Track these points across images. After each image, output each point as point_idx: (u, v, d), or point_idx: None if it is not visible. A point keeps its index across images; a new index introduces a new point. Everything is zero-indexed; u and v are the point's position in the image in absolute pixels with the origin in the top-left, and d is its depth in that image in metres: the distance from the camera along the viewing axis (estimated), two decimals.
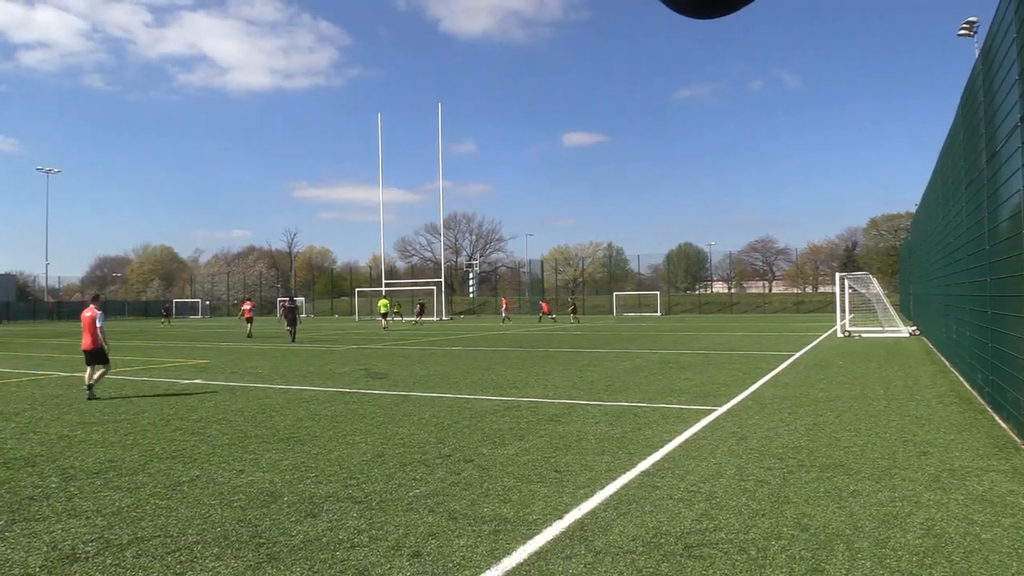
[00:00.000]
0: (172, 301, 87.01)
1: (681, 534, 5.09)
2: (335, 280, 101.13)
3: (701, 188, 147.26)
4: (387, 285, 67.43)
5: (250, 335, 33.82)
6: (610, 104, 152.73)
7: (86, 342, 12.45)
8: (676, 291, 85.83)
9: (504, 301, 49.69)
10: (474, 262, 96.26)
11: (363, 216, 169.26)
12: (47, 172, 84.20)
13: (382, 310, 40.97)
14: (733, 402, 10.88)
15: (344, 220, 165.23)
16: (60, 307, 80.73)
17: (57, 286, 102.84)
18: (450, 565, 4.60)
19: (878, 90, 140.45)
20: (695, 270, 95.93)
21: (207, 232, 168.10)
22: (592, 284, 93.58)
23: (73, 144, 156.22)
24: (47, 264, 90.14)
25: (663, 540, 4.99)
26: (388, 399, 11.76)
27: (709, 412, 9.99)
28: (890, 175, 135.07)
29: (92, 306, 12.47)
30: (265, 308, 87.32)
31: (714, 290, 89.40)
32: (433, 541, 5.01)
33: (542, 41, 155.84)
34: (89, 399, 12.04)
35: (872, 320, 30.70)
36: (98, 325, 12.37)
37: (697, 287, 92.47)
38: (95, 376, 12.36)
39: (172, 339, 33.55)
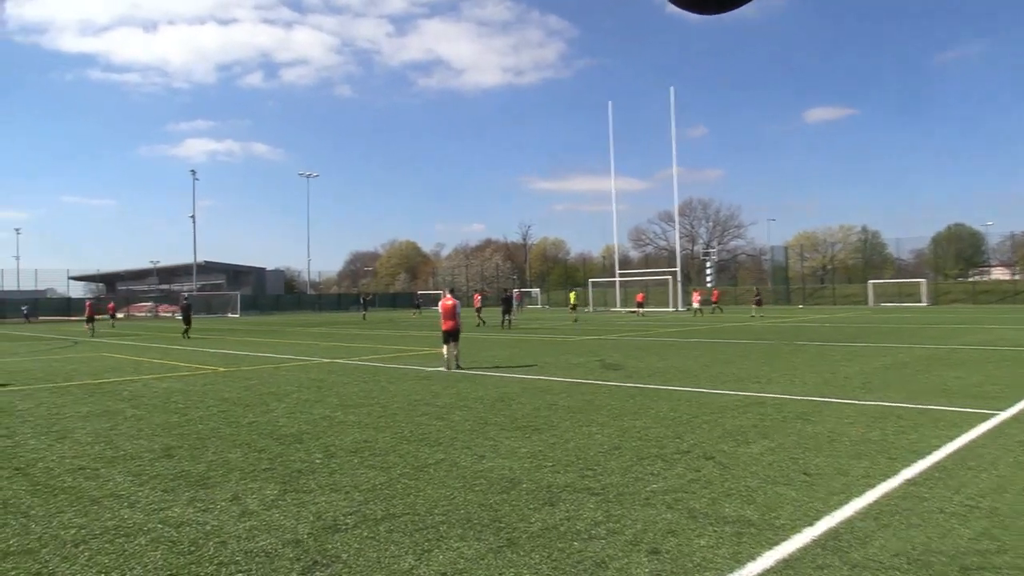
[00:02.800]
0: (417, 293, 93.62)
1: (956, 553, 4.58)
2: (569, 271, 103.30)
3: (973, 161, 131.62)
4: (621, 275, 67.59)
5: (481, 323, 36.18)
6: (857, 75, 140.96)
7: (448, 324, 15.74)
8: (945, 278, 77.38)
9: (696, 292, 47.77)
10: (711, 250, 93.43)
11: (595, 206, 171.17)
12: (307, 176, 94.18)
13: (572, 301, 41.66)
14: (1021, 406, 9.60)
15: (577, 211, 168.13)
16: (320, 299, 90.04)
17: (317, 280, 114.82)
18: (690, 565, 4.50)
19: None
20: (968, 254, 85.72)
21: (447, 226, 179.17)
22: (844, 271, 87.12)
23: (328, 150, 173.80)
24: (309, 260, 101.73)
25: (933, 559, 4.51)
26: (624, 391, 11.78)
27: (990, 417, 8.90)
28: None
29: (450, 295, 16.13)
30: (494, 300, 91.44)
31: (993, 276, 79.36)
32: (672, 539, 4.93)
33: (774, 14, 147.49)
34: (457, 369, 15.13)
35: None
36: (457, 311, 15.94)
37: (971, 273, 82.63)
38: (455, 351, 15.63)
39: (419, 328, 36.14)
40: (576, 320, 38.74)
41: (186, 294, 47.56)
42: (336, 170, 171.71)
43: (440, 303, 16.26)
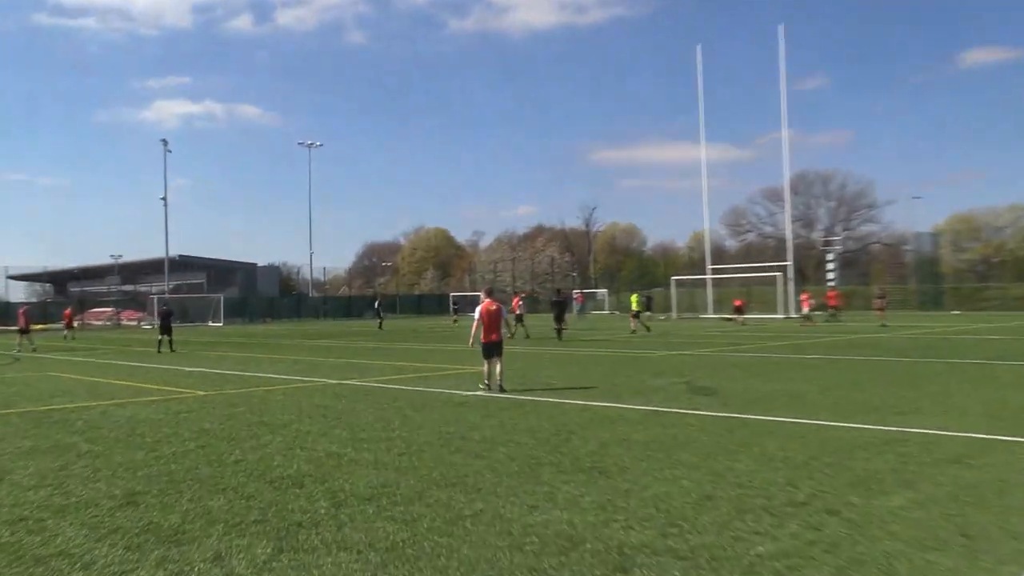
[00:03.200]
0: (452, 296, 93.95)
1: None
2: (645, 265, 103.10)
3: None
4: (713, 272, 67.11)
5: (511, 335, 35.84)
6: None
7: (490, 335, 16.09)
8: None
9: (805, 295, 46.85)
10: (834, 238, 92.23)
11: (679, 182, 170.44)
12: (309, 147, 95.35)
13: (633, 307, 40.69)
14: None
15: (654, 188, 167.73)
16: (326, 303, 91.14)
17: (322, 278, 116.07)
18: None
19: None
20: None
21: (487, 209, 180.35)
22: (1014, 266, 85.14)
23: (335, 113, 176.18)
24: (311, 254, 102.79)
25: None
26: (718, 423, 11.70)
27: None
28: None
29: (489, 299, 16.38)
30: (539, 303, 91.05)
31: None
32: None
33: None
34: (500, 393, 15.46)
35: None
36: (502, 318, 16.48)
37: None
38: (499, 369, 16.04)
39: (451, 340, 36.33)
40: (634, 331, 38.15)
41: (165, 298, 48.64)
42: (345, 139, 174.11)
43: (478, 308, 16.56)
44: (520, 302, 40.00)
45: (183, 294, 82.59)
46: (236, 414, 13.61)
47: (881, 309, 44.93)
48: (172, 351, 31.71)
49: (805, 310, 46.09)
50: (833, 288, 59.56)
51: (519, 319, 37.62)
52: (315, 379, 19.47)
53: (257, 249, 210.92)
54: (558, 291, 41.90)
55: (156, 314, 37.00)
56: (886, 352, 24.53)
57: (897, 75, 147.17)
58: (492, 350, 16.13)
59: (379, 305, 55.40)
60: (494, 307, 16.43)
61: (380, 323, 52.63)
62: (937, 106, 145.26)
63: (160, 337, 32.70)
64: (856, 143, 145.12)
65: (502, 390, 15.79)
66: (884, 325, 41.57)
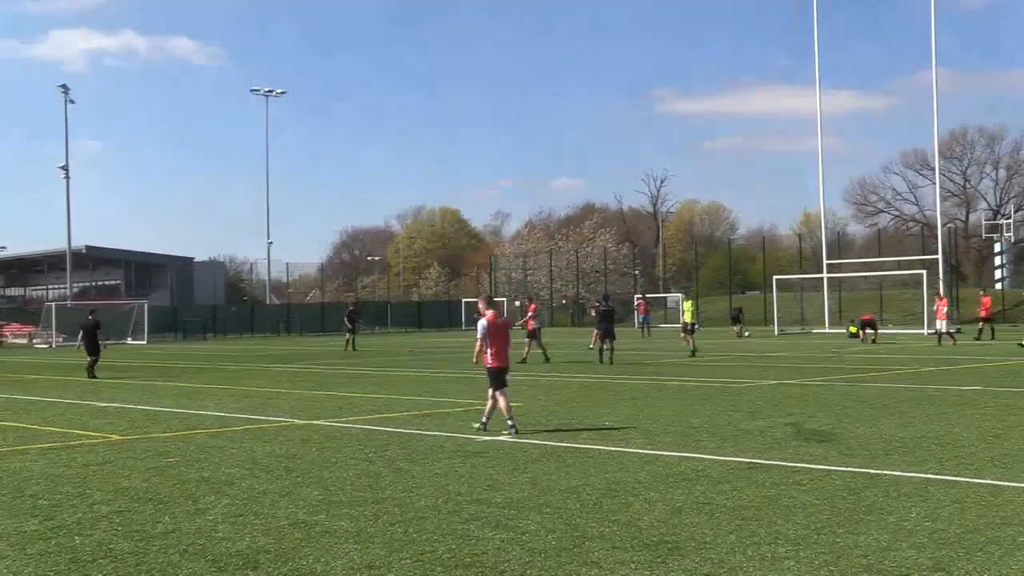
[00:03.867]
0: (461, 301, 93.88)
1: None
2: (736, 259, 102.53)
3: None
4: (831, 268, 66.80)
5: (546, 358, 35.78)
6: None
7: (498, 358, 16.45)
8: None
9: (940, 303, 46.55)
10: (1004, 222, 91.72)
11: (783, 143, 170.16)
12: (266, 95, 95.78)
13: (687, 317, 40.35)
14: None
15: (749, 152, 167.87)
16: (290, 312, 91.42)
17: (285, 279, 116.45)
18: None
19: None
20: None
21: (516, 183, 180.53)
22: None
23: (303, 50, 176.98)
24: (269, 244, 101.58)
25: None
26: (837, 481, 11.65)
27: None
28: None
29: (492, 311, 16.81)
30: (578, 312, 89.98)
31: None
32: None
33: None
34: (515, 434, 15.91)
35: None
36: (508, 333, 17.01)
37: None
38: (504, 402, 16.30)
39: (462, 366, 36.33)
40: (693, 352, 37.93)
41: (91, 307, 48.94)
42: (318, 86, 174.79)
43: (481, 321, 16.89)
44: (535, 311, 39.79)
45: (92, 300, 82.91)
46: (166, 467, 13.66)
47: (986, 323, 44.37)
48: (93, 377, 32.20)
49: (941, 324, 45.76)
50: (986, 294, 57.72)
51: (533, 335, 37.32)
52: (275, 418, 19.53)
53: (195, 239, 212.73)
54: (605, 297, 41.73)
55: (80, 327, 37.05)
56: None
57: None
58: (502, 377, 16.36)
59: (351, 316, 55.07)
60: (500, 321, 16.96)
61: (350, 341, 51.75)
62: None
63: (89, 359, 33.26)
64: None
65: (516, 431, 16.05)
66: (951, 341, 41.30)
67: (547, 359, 36.07)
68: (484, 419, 16.46)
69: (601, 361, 34.29)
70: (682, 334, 40.09)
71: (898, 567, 7.91)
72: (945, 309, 46.05)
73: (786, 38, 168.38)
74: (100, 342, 34.44)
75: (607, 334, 35.31)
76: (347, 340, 52.67)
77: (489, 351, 16.48)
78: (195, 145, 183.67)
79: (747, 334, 59.97)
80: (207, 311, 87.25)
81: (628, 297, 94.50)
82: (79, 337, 36.64)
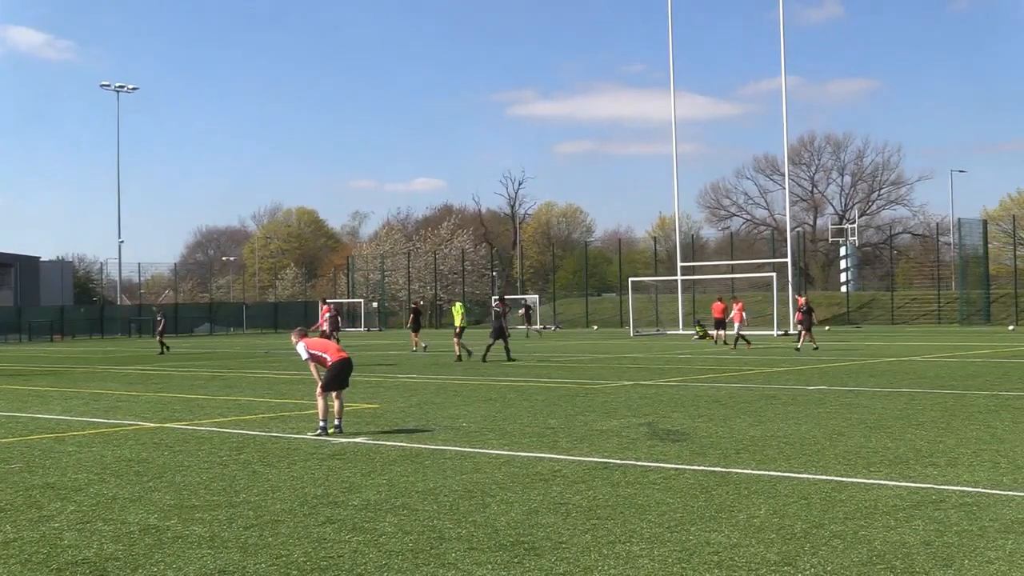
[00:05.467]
0: (327, 302, 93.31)
1: None
2: (593, 261, 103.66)
3: None
4: (684, 270, 67.93)
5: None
6: None
7: (338, 354, 16.71)
8: None
9: (739, 304, 47.81)
10: (848, 226, 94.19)
11: (638, 147, 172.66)
12: (117, 90, 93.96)
13: (457, 322, 40.85)
14: None
15: (603, 155, 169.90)
16: (141, 313, 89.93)
17: (137, 279, 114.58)
18: None
19: None
20: None
21: (373, 183, 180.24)
22: None
23: (156, 42, 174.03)
24: (120, 243, 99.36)
25: None
26: (690, 479, 11.81)
27: None
28: None
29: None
30: (438, 312, 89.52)
31: None
32: None
33: None
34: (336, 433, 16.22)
35: None
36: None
37: None
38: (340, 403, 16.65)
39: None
40: (459, 358, 38.32)
41: None
42: (171, 82, 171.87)
43: (301, 343, 17.11)
44: (331, 313, 40.55)
45: None
46: (8, 473, 13.31)
47: (804, 323, 44.47)
48: None
49: (737, 325, 46.50)
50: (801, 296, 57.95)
51: (329, 334, 38.02)
52: (125, 421, 19.18)
53: (41, 237, 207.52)
54: (502, 297, 43.23)
55: None
56: (917, 382, 25.02)
57: (934, 4, 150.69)
58: (339, 375, 16.63)
59: (157, 320, 53.18)
60: (313, 338, 17.57)
61: (162, 344, 50.71)
62: (992, 45, 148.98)
63: None
64: (882, 95, 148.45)
65: (338, 428, 16.55)
66: (808, 344, 42.21)
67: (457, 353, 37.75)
68: (323, 420, 16.46)
69: (484, 360, 35.70)
70: (455, 339, 40.02)
71: (747, 563, 8.04)
72: (804, 306, 46.70)
73: (645, 43, 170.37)
74: None
75: (499, 332, 37.00)
76: (160, 343, 50.72)
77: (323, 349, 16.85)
78: (45, 141, 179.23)
79: (539, 331, 60.43)
80: (54, 312, 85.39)
81: (485, 298, 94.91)
82: None
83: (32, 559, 8.69)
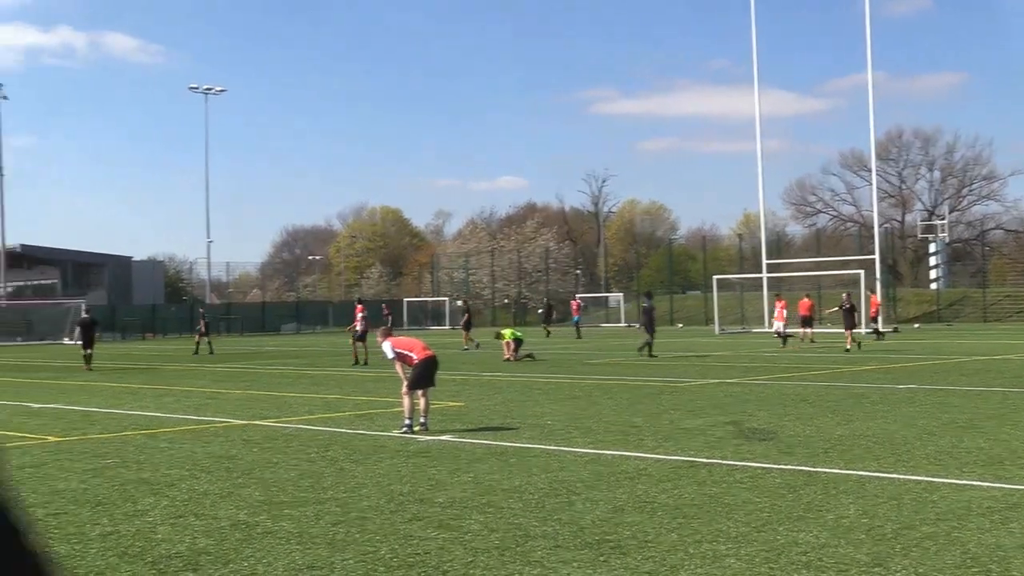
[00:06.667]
0: (403, 301, 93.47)
1: None
2: (677, 259, 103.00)
3: None
4: (769, 267, 67.29)
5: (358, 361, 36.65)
6: None
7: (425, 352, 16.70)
8: None
9: (781, 303, 46.57)
10: (938, 222, 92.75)
11: (721, 144, 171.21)
12: (205, 92, 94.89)
13: (507, 335, 39.30)
14: None
15: (688, 153, 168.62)
16: (230, 312, 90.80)
17: (225, 278, 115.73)
18: None
19: None
20: None
21: (456, 182, 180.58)
22: None
23: (242, 46, 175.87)
24: (209, 243, 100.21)
25: None
26: (777, 479, 11.75)
27: None
28: None
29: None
30: (523, 311, 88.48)
31: None
32: None
33: None
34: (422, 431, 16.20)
35: None
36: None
37: None
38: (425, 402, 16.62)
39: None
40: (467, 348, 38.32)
41: (87, 306, 48.75)
42: (257, 82, 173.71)
43: (387, 343, 17.13)
44: (364, 312, 40.20)
45: (28, 300, 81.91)
46: (104, 468, 13.57)
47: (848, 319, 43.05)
48: (89, 368, 36.03)
49: (779, 324, 45.80)
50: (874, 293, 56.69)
51: (359, 337, 37.53)
52: (215, 419, 19.45)
53: (133, 237, 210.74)
54: (648, 295, 43.12)
55: (77, 325, 40.19)
56: (1011, 381, 24.62)
57: None
58: (426, 372, 16.63)
59: (202, 321, 51.81)
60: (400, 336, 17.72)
61: (201, 343, 49.63)
62: None
63: (86, 352, 37.15)
64: (972, 90, 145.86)
65: (424, 427, 16.51)
66: (856, 344, 40.78)
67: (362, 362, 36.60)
68: (409, 418, 16.51)
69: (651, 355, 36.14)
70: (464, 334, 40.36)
71: (837, 564, 7.99)
72: (785, 312, 46.08)
73: (727, 40, 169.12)
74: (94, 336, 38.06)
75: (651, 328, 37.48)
76: (199, 342, 49.84)
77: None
78: (136, 143, 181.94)
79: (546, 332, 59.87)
80: (146, 311, 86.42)
81: (568, 296, 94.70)
82: (76, 333, 39.90)
83: (128, 552, 8.88)
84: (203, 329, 50.97)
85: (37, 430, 18.27)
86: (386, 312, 53.81)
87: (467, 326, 48.89)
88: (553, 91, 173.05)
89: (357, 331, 38.48)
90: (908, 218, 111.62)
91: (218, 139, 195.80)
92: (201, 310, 58.20)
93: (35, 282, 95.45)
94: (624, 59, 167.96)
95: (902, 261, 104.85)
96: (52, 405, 23.13)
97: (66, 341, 70.21)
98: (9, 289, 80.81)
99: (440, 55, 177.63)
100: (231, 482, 12.32)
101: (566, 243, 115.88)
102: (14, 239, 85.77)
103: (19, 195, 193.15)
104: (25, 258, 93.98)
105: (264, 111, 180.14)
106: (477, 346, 45.72)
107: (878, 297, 53.40)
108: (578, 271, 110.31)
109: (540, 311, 61.47)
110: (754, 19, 66.22)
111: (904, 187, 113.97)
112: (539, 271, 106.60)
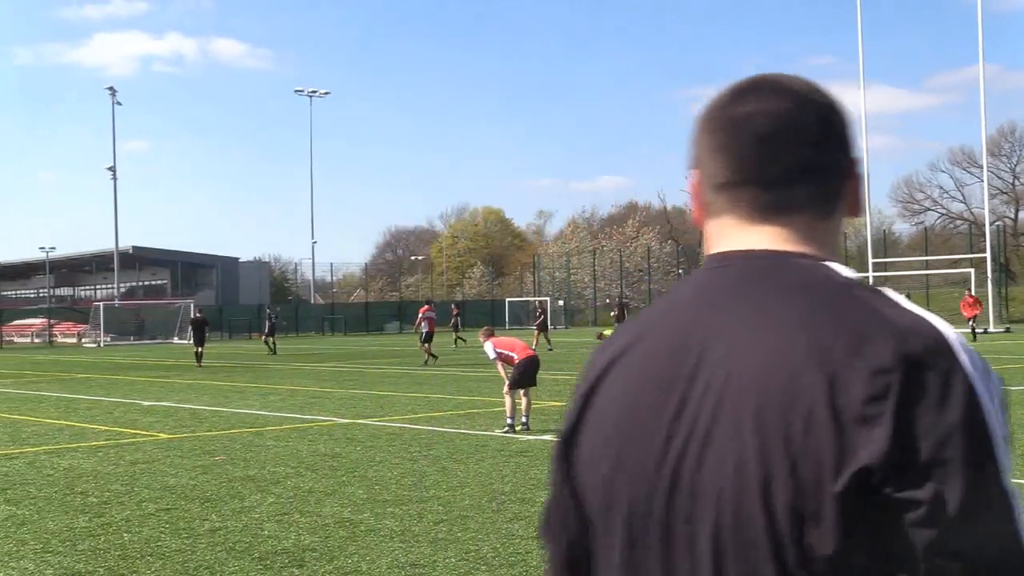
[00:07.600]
0: (505, 301, 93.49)
1: None
2: None
3: None
4: (876, 266, 66.30)
5: (431, 358, 36.77)
6: None
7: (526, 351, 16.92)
8: None
9: (968, 299, 45.37)
10: None
11: None
12: (310, 95, 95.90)
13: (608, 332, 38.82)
14: None
15: None
16: (334, 312, 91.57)
17: (329, 279, 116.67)
18: None
19: None
20: None
21: (557, 182, 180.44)
22: None
23: (348, 50, 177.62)
24: (313, 244, 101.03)
25: None
26: None
27: None
28: None
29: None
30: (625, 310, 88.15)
31: None
32: None
33: None
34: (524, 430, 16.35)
35: None
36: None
37: None
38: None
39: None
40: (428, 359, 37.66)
41: (198, 306, 50.11)
42: (361, 85, 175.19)
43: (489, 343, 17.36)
44: (429, 311, 39.94)
45: (140, 299, 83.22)
46: (212, 465, 13.82)
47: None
48: (200, 365, 38.22)
49: (968, 322, 45.21)
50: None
51: (426, 338, 37.59)
52: (320, 417, 19.70)
53: (240, 238, 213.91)
54: (619, 300, 42.66)
55: (190, 323, 45.77)
56: None
57: None
58: (528, 370, 16.72)
59: (270, 319, 52.12)
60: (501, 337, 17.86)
61: (268, 342, 50.07)
62: None
63: (198, 350, 39.82)
64: None
65: (525, 426, 16.63)
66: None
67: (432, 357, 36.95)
68: (524, 418, 16.63)
69: None
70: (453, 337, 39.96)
71: None
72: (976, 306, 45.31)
73: (829, 33, 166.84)
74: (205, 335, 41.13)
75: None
76: (267, 342, 50.14)
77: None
78: (240, 147, 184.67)
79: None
80: (252, 311, 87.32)
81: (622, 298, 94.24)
82: (189, 332, 42.16)
83: (236, 547, 9.03)
84: (269, 329, 51.26)
85: (149, 427, 18.64)
86: (455, 312, 53.31)
87: (542, 327, 48.21)
88: (654, 89, 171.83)
89: (423, 331, 38.39)
90: (1021, 215, 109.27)
91: (322, 141, 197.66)
92: (268, 310, 58.43)
93: (146, 283, 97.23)
94: (726, 56, 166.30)
95: (1015, 259, 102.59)
96: (162, 403, 23.57)
97: (176, 340, 71.50)
98: (122, 289, 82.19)
99: (541, 54, 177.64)
100: (335, 480, 12.47)
101: (668, 242, 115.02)
102: (126, 241, 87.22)
103: (131, 197, 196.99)
104: (137, 259, 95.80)
105: (367, 113, 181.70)
106: (549, 349, 44.96)
107: (973, 296, 52.15)
108: (680, 271, 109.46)
109: (612, 313, 60.90)
110: (859, 12, 65.20)
111: (1017, 183, 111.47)
112: (641, 271, 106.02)
